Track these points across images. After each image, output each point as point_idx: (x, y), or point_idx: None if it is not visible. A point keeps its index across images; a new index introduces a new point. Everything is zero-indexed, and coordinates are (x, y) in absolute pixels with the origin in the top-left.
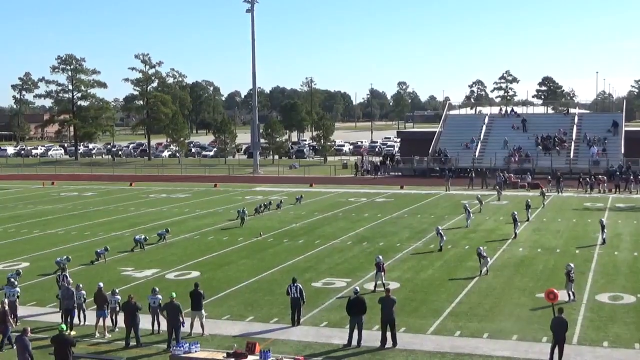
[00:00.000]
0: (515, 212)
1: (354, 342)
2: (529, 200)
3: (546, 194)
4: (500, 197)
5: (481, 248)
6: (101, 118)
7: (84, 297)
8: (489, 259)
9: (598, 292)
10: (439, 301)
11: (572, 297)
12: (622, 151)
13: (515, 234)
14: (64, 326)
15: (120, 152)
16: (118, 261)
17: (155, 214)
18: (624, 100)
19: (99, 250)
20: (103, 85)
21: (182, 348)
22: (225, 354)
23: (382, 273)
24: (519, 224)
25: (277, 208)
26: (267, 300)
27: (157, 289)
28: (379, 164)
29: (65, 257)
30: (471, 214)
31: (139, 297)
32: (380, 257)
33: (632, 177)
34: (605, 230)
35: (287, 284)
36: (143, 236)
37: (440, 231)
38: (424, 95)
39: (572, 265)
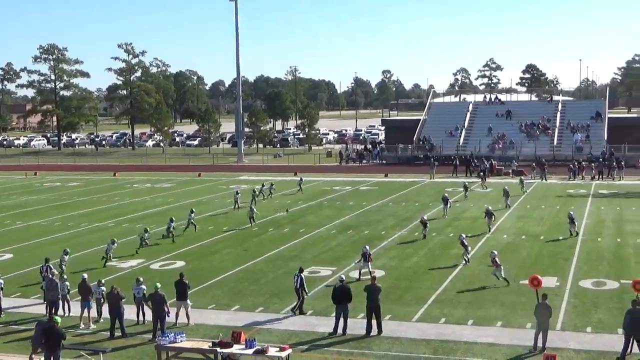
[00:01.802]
0: (489, 207)
1: (340, 330)
2: (506, 187)
3: (529, 180)
4: (484, 187)
5: (463, 236)
6: (84, 108)
7: (67, 288)
8: (469, 247)
9: (581, 278)
10: (423, 289)
11: (504, 281)
12: (605, 138)
13: (490, 228)
14: (58, 318)
15: (103, 142)
16: (103, 252)
17: (140, 204)
18: (607, 88)
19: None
20: (86, 75)
21: (167, 338)
22: (210, 344)
23: (369, 263)
24: (494, 217)
25: (269, 194)
26: (253, 290)
27: (142, 279)
28: (369, 150)
29: (111, 240)
30: (449, 206)
31: (124, 288)
32: (367, 247)
33: (615, 164)
34: (575, 223)
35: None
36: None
37: (427, 221)
38: (408, 83)
39: (495, 252)
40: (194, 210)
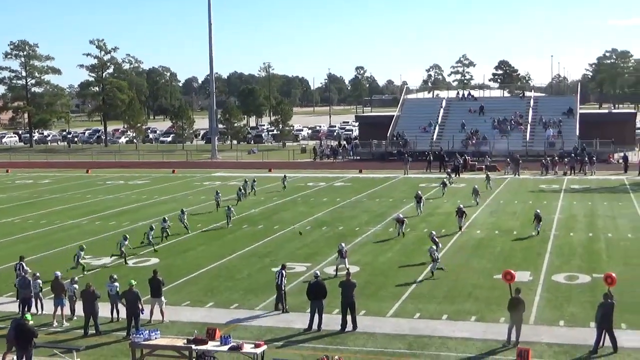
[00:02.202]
0: (462, 205)
1: (315, 327)
2: (476, 185)
3: (502, 176)
4: (452, 182)
5: (433, 233)
6: (56, 105)
7: (40, 286)
8: (439, 245)
9: (554, 272)
10: (398, 284)
11: (432, 274)
12: (577, 133)
13: (461, 227)
14: (29, 316)
15: (76, 139)
16: (76, 249)
17: (113, 201)
18: (579, 84)
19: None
20: (57, 71)
21: (141, 335)
22: (185, 341)
23: (345, 259)
24: (465, 216)
25: (252, 190)
26: (227, 286)
27: (115, 277)
28: (344, 146)
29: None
30: (422, 204)
31: (98, 285)
32: (343, 244)
33: (586, 159)
34: (540, 222)
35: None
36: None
37: (403, 219)
38: (381, 79)
39: (434, 247)
40: (184, 210)
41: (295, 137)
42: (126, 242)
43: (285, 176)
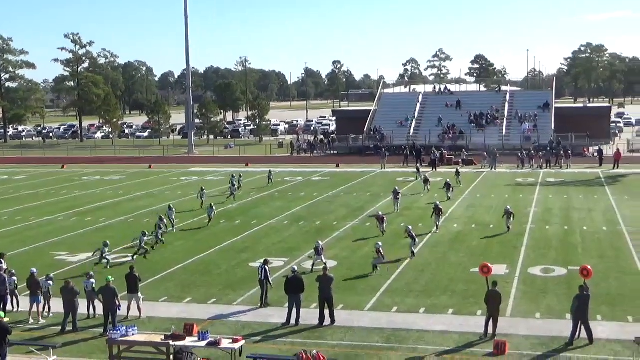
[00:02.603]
0: (438, 202)
1: (293, 321)
2: (449, 180)
3: (479, 170)
4: (419, 177)
5: (410, 228)
6: (30, 100)
7: (15, 283)
8: (417, 240)
9: (530, 265)
10: (375, 278)
11: (376, 269)
12: (553, 127)
13: (437, 225)
14: (2, 313)
15: (51, 134)
16: (52, 245)
17: (89, 197)
18: (554, 78)
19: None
20: (32, 66)
21: (118, 332)
22: (163, 336)
23: (322, 255)
24: (442, 214)
25: (238, 185)
26: (205, 281)
27: (92, 273)
28: (320, 141)
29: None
30: (399, 199)
31: (74, 282)
32: (320, 242)
33: (562, 153)
34: (511, 219)
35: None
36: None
37: (383, 216)
38: (358, 74)
39: (379, 243)
40: (172, 207)
41: (273, 131)
42: (106, 249)
43: (270, 171)
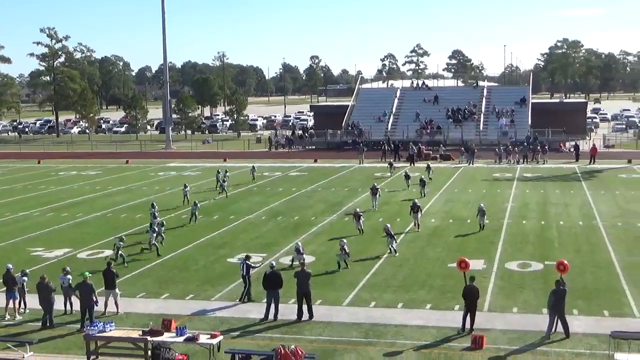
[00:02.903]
0: (416, 200)
1: (271, 317)
2: (423, 176)
3: (456, 165)
4: (392, 173)
5: (388, 225)
6: (6, 94)
7: None
8: (395, 237)
9: (507, 260)
10: (354, 273)
11: (342, 266)
12: (530, 122)
13: (418, 225)
14: None
15: (27, 129)
16: (27, 241)
17: (66, 192)
18: (531, 73)
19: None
20: (7, 60)
21: (96, 327)
22: (140, 332)
23: (303, 255)
24: (420, 213)
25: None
26: (183, 277)
27: (68, 269)
28: (300, 136)
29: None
30: (378, 196)
31: (50, 278)
32: (300, 243)
33: (539, 148)
34: (485, 216)
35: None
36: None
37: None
38: (336, 69)
39: (344, 240)
40: (154, 204)
41: (252, 126)
42: (122, 244)
43: (254, 167)
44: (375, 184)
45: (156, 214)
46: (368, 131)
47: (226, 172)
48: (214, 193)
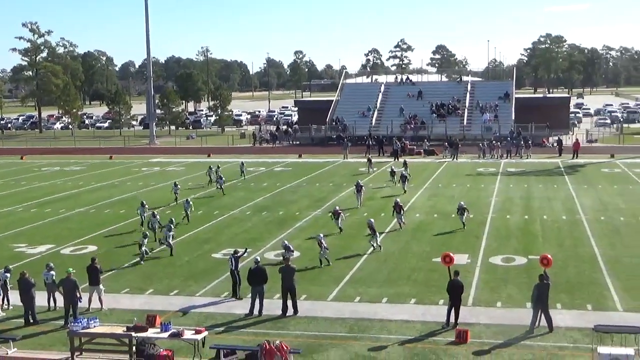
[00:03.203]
0: (398, 199)
1: (256, 312)
2: (403, 171)
3: (440, 160)
4: (372, 169)
5: (372, 220)
6: None
7: None
8: (377, 233)
9: (491, 254)
10: (338, 268)
11: (324, 263)
12: (513, 117)
13: (401, 224)
14: None
15: (9, 125)
16: (11, 237)
17: (49, 188)
18: (514, 68)
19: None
20: None
21: (80, 324)
22: (125, 328)
23: (292, 252)
24: (403, 212)
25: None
26: (167, 273)
27: (52, 265)
28: (285, 131)
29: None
30: (362, 194)
31: (34, 274)
32: (286, 241)
33: (522, 143)
34: (465, 214)
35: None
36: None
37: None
38: (320, 64)
39: (321, 235)
40: (144, 202)
41: (238, 122)
42: (146, 241)
43: (243, 163)
44: (360, 181)
45: (143, 214)
46: (352, 126)
47: (218, 167)
48: (190, 189)
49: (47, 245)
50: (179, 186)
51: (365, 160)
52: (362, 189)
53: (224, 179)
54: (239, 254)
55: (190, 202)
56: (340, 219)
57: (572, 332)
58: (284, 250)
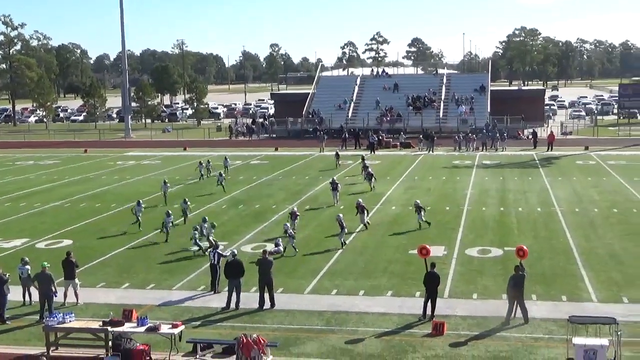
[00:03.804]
0: (360, 200)
1: (233, 305)
2: (370, 169)
3: (416, 152)
4: (338, 164)
5: (340, 216)
6: None
7: None
8: (346, 229)
9: (468, 246)
10: (315, 261)
11: (290, 251)
12: (489, 110)
13: (365, 225)
14: None
15: None
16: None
17: (23, 182)
18: (490, 61)
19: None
20: None
21: (55, 318)
22: (101, 323)
23: (280, 247)
24: (367, 213)
25: (208, 172)
26: (143, 266)
27: (27, 259)
28: (262, 124)
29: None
30: (338, 191)
31: (9, 269)
32: (279, 240)
33: (498, 135)
34: (422, 213)
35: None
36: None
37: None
38: (296, 57)
39: (287, 224)
40: (141, 202)
41: (216, 115)
42: (197, 234)
43: (226, 158)
44: (335, 178)
45: (139, 213)
46: (329, 119)
47: (209, 162)
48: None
49: (22, 240)
50: (168, 184)
51: (334, 155)
52: (338, 187)
53: (224, 175)
54: (219, 248)
55: (188, 203)
56: (296, 220)
57: (547, 323)
58: (274, 246)
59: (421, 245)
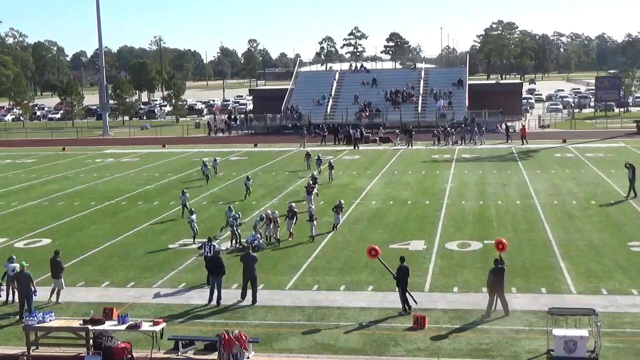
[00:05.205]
0: (342, 201)
1: (214, 302)
2: (331, 160)
3: (395, 147)
4: (309, 164)
5: (292, 204)
6: None
7: None
8: (296, 218)
9: (448, 240)
10: (296, 257)
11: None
12: (467, 104)
13: (335, 226)
14: None
15: None
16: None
17: (1, 181)
18: (467, 55)
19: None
20: None
21: (35, 318)
22: (81, 321)
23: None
24: (341, 212)
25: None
26: (123, 265)
27: (14, 257)
28: (240, 118)
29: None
30: (313, 195)
31: None
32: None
33: (476, 129)
34: (340, 213)
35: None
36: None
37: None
38: (274, 52)
39: (263, 215)
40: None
41: (198, 111)
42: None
43: (215, 160)
44: (311, 183)
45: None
46: (308, 114)
47: (215, 160)
48: (144, 179)
49: (0, 239)
50: (187, 194)
51: (304, 155)
52: (313, 191)
53: (219, 171)
54: (212, 242)
55: (187, 194)
56: (272, 223)
57: (527, 315)
58: (263, 243)
59: (370, 246)
